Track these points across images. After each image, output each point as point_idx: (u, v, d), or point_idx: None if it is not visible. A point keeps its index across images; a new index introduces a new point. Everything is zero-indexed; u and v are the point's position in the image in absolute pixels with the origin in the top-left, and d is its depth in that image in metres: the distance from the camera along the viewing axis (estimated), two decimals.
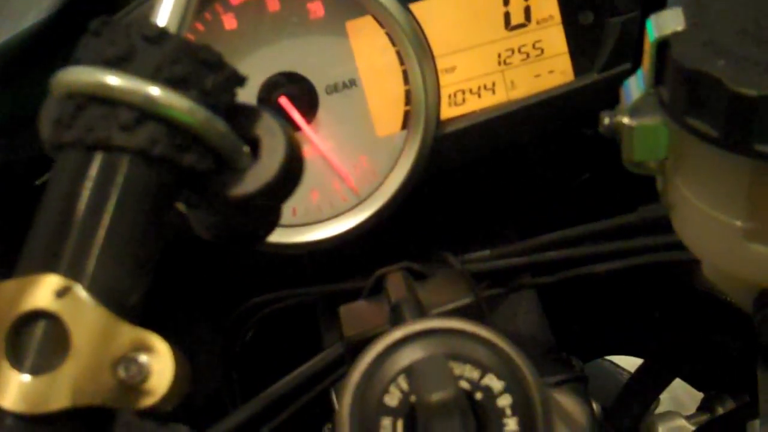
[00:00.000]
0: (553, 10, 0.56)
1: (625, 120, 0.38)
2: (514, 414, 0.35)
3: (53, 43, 0.49)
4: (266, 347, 0.61)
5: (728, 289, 0.41)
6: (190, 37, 0.50)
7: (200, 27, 0.52)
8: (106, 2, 0.50)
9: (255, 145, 0.35)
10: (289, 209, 0.55)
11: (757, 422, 0.44)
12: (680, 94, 0.35)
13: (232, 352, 0.60)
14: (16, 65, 0.50)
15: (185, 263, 0.58)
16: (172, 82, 0.32)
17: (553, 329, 0.60)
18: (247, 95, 0.53)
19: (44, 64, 0.45)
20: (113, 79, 0.32)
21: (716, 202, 0.37)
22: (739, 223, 0.36)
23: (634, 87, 0.39)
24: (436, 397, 0.33)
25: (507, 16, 0.56)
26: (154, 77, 0.32)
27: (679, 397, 1.02)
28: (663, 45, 0.36)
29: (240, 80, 0.35)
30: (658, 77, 0.37)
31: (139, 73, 0.32)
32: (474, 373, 0.35)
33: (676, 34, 0.35)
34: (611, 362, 1.02)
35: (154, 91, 0.32)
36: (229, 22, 0.52)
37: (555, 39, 0.56)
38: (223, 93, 0.34)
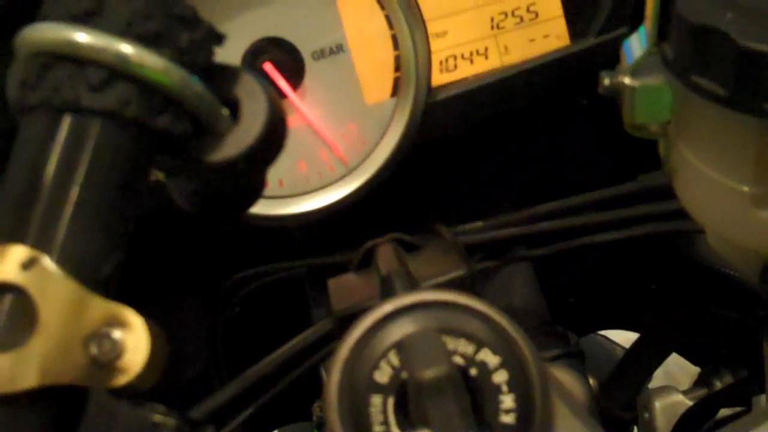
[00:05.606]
0: None
1: (627, 80, 0.37)
2: (510, 390, 0.33)
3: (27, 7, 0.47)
4: (254, 322, 0.59)
5: (733, 259, 0.40)
6: None
7: None
8: None
9: (235, 107, 0.33)
10: (276, 180, 0.53)
11: (763, 397, 0.42)
12: (685, 50, 0.33)
13: (218, 328, 0.59)
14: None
15: (170, 237, 0.56)
16: (144, 39, 0.30)
17: (547, 302, 0.58)
18: (231, 61, 0.51)
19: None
20: (81, 36, 0.30)
21: (722, 167, 0.35)
22: (746, 189, 0.35)
23: (636, 45, 0.37)
24: (429, 374, 0.31)
25: None
26: (124, 33, 0.30)
27: (672, 371, 1.01)
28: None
29: (218, 38, 0.33)
30: (662, 34, 0.35)
31: (109, 29, 0.30)
32: (468, 348, 0.33)
33: None
34: (605, 337, 1.01)
35: (125, 48, 0.30)
36: None
37: (550, 1, 0.54)
38: (199, 51, 0.32)
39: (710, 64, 0.32)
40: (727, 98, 0.32)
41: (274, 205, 0.53)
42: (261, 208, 0.53)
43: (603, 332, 1.01)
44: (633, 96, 0.37)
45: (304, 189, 0.54)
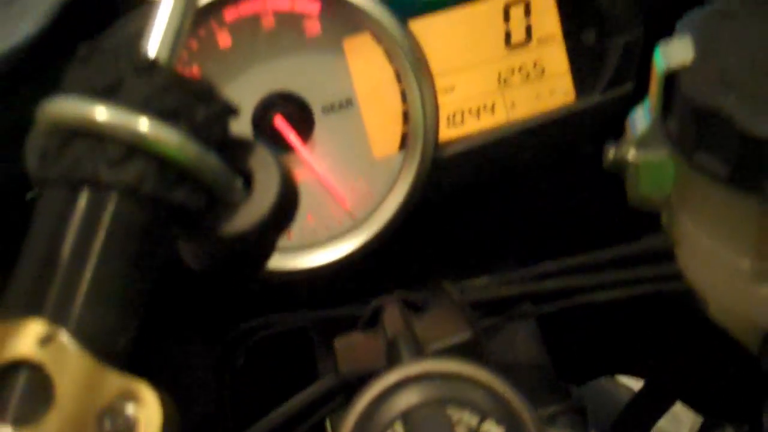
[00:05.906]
0: (554, 28, 0.54)
1: (631, 156, 0.37)
2: None
3: (47, 56, 0.47)
4: (260, 372, 0.60)
5: (734, 329, 0.40)
6: (184, 54, 0.49)
7: (194, 44, 0.51)
8: (100, 12, 0.48)
9: (248, 179, 0.34)
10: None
11: None
12: (689, 129, 0.34)
13: (224, 376, 0.59)
14: (8, 80, 0.49)
15: (176, 285, 0.57)
16: (161, 115, 0.31)
17: (550, 350, 0.58)
18: (242, 114, 0.52)
19: (38, 78, 0.43)
20: (101, 112, 0.30)
21: (723, 241, 0.36)
22: (746, 263, 0.35)
23: (641, 118, 0.38)
24: None
25: (507, 33, 0.54)
26: (142, 110, 0.31)
27: (677, 413, 1.01)
28: (671, 77, 0.35)
29: (232, 112, 0.34)
30: (666, 109, 0.36)
31: (128, 105, 0.31)
32: (473, 420, 0.34)
33: (685, 68, 0.34)
34: (610, 378, 1.01)
35: (143, 124, 0.31)
36: (224, 39, 0.51)
37: (556, 58, 0.55)
38: (215, 126, 0.33)
39: (713, 143, 0.33)
40: (728, 177, 0.33)
41: (282, 258, 0.54)
42: (270, 262, 0.53)
43: None
44: (637, 171, 0.37)
45: (312, 241, 0.54)
